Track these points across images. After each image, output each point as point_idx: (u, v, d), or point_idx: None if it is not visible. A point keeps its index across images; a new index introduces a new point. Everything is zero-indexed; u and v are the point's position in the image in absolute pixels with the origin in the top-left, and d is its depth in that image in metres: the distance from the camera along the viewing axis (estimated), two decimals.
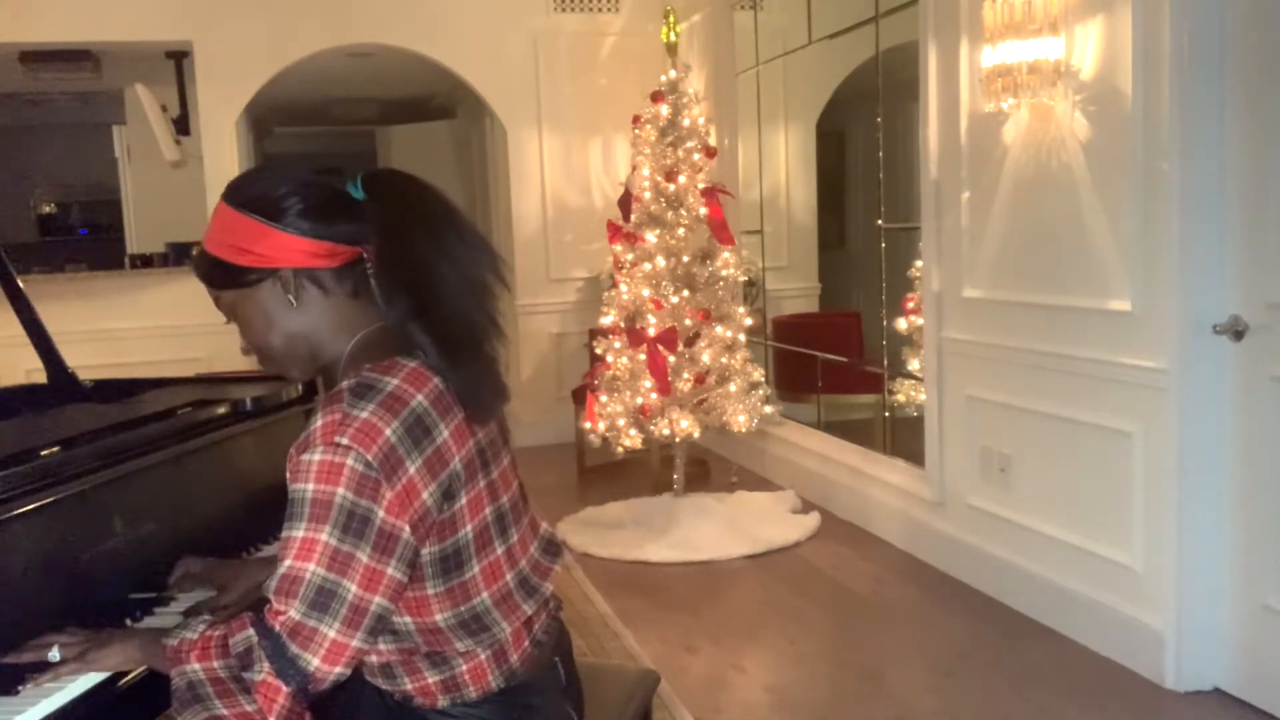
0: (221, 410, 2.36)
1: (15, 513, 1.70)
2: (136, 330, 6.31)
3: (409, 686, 1.56)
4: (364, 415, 1.41)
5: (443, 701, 1.57)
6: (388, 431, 1.41)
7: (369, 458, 1.38)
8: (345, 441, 1.39)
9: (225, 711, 1.44)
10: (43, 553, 1.76)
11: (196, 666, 1.45)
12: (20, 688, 1.58)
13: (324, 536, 1.37)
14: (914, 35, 4.25)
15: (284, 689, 1.39)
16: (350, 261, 1.57)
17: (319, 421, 1.42)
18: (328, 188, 1.57)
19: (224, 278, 1.59)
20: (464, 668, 1.56)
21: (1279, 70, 2.78)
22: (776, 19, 5.92)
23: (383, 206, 1.54)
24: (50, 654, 1.60)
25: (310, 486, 1.39)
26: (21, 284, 2.65)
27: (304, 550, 1.38)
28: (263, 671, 1.39)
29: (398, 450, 1.41)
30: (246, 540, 2.25)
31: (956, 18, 3.89)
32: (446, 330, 1.50)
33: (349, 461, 1.38)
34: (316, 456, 1.39)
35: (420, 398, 1.46)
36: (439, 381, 1.50)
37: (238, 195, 1.57)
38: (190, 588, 1.93)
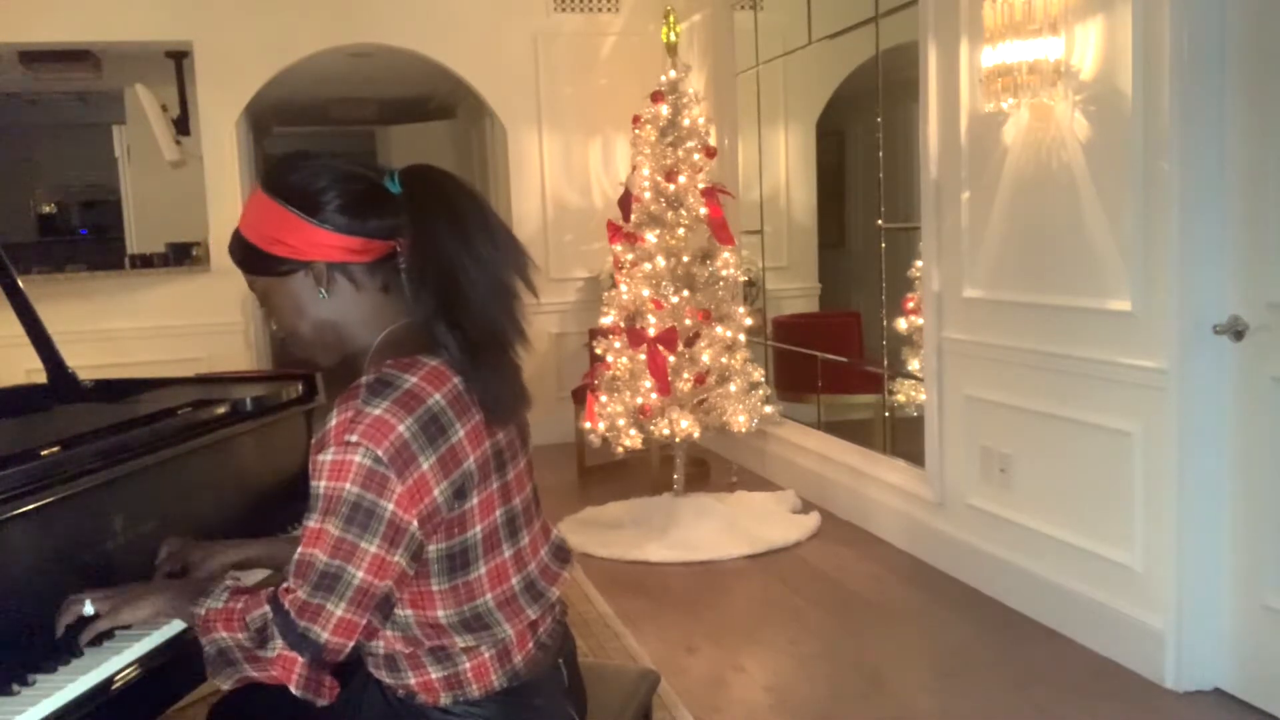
0: (221, 410, 2.36)
1: (15, 512, 1.70)
2: (136, 330, 6.30)
3: (412, 681, 1.57)
4: (376, 412, 1.43)
5: (445, 699, 1.57)
6: (400, 428, 1.43)
7: (379, 452, 1.41)
8: (354, 439, 1.42)
9: (256, 674, 1.51)
10: (43, 553, 1.76)
11: (224, 635, 1.51)
12: (34, 677, 1.62)
13: (329, 528, 1.44)
14: (914, 35, 4.25)
15: (299, 659, 1.46)
16: (383, 256, 1.58)
17: (333, 420, 1.45)
18: (365, 181, 1.58)
19: (257, 264, 1.61)
20: (467, 665, 1.56)
21: (1279, 70, 2.78)
22: (776, 19, 5.92)
23: (417, 203, 1.54)
24: (85, 608, 1.65)
25: (323, 484, 1.44)
26: (21, 284, 2.65)
27: (311, 539, 1.45)
28: (277, 647, 1.46)
29: (410, 446, 1.43)
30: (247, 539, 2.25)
31: (956, 18, 3.89)
32: (471, 330, 1.52)
33: (356, 458, 1.42)
34: (329, 456, 1.44)
35: (438, 396, 1.48)
36: (459, 382, 1.51)
37: (276, 184, 1.58)
38: (169, 567, 1.93)
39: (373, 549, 1.43)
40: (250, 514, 2.34)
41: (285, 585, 1.48)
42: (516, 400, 1.60)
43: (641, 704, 2.04)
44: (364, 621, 1.46)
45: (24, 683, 1.60)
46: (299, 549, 1.47)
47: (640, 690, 2.06)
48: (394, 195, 1.56)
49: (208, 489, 2.25)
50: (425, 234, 1.52)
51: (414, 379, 1.48)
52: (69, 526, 1.82)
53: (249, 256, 1.61)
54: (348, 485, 1.42)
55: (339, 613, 1.44)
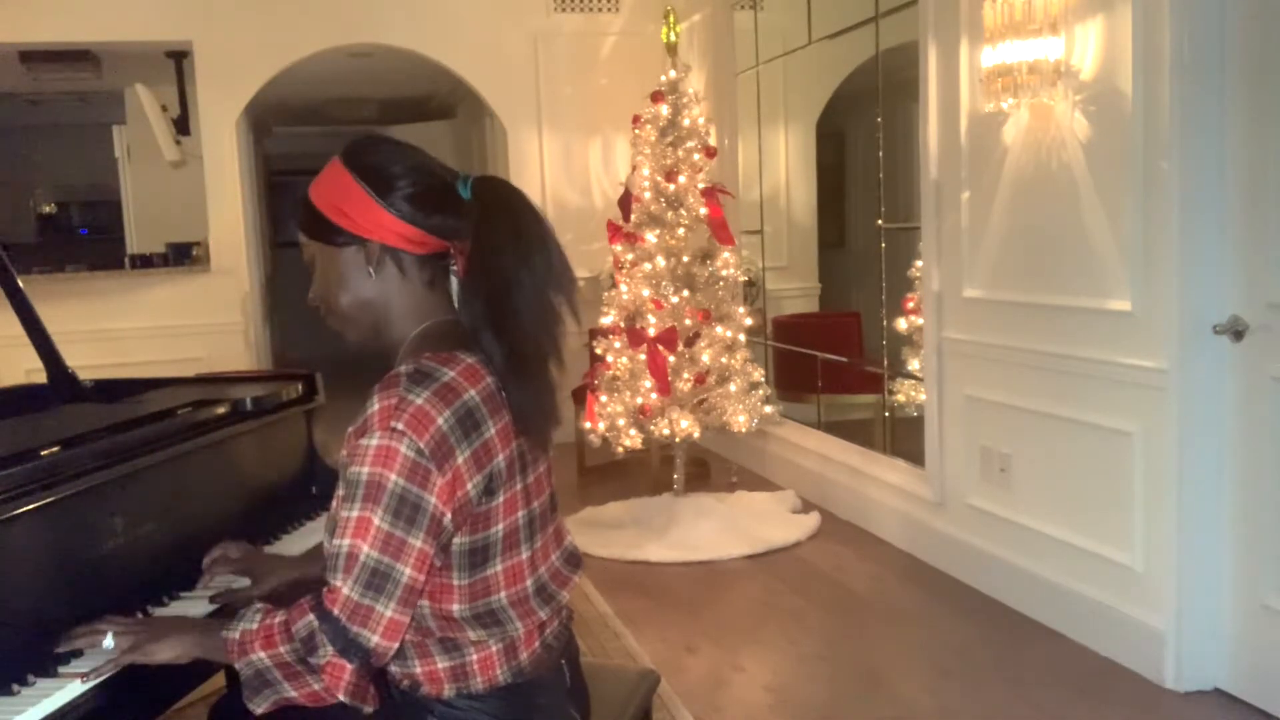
0: (221, 410, 2.36)
1: (16, 512, 1.70)
2: (136, 330, 6.31)
3: (417, 670, 1.57)
4: (419, 401, 1.45)
5: (449, 691, 1.58)
6: (440, 420, 1.45)
7: (421, 444, 1.43)
8: (400, 427, 1.43)
9: (295, 693, 1.50)
10: (43, 552, 1.76)
11: (262, 655, 1.49)
12: (62, 669, 1.62)
13: (376, 520, 1.43)
14: (914, 35, 4.25)
15: (349, 666, 1.45)
16: (436, 253, 1.61)
17: (375, 405, 1.46)
18: (439, 179, 1.61)
19: (315, 229, 1.63)
20: (474, 657, 1.57)
21: (1279, 70, 2.78)
22: (776, 19, 5.92)
23: (485, 213, 1.57)
24: (105, 642, 1.61)
25: (366, 470, 1.44)
26: (21, 284, 2.65)
27: (358, 530, 1.44)
28: (327, 655, 1.45)
29: (449, 439, 1.46)
30: (248, 539, 2.25)
31: (956, 18, 3.89)
32: (515, 345, 1.54)
33: (403, 448, 1.43)
34: (374, 441, 1.44)
35: (473, 392, 1.51)
36: (492, 381, 1.54)
37: (355, 159, 1.61)
38: (222, 572, 1.94)
39: (419, 543, 1.44)
40: (250, 514, 2.34)
41: (329, 586, 1.46)
42: (546, 418, 1.61)
43: (641, 704, 2.04)
44: (408, 620, 1.47)
45: (24, 683, 1.60)
46: (340, 539, 1.45)
47: (640, 690, 2.06)
48: (462, 199, 1.59)
49: (208, 489, 2.25)
50: (487, 244, 1.54)
51: (451, 373, 1.50)
52: (69, 526, 1.82)
53: (309, 220, 1.63)
54: (394, 475, 1.43)
55: (389, 614, 1.44)
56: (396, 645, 1.48)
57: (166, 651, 1.59)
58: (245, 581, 1.94)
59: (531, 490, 1.61)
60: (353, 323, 1.65)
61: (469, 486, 1.48)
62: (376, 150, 1.63)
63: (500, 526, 1.54)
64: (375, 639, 1.45)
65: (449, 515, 1.46)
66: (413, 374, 1.49)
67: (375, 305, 1.62)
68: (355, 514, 1.44)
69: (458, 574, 1.53)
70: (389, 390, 1.47)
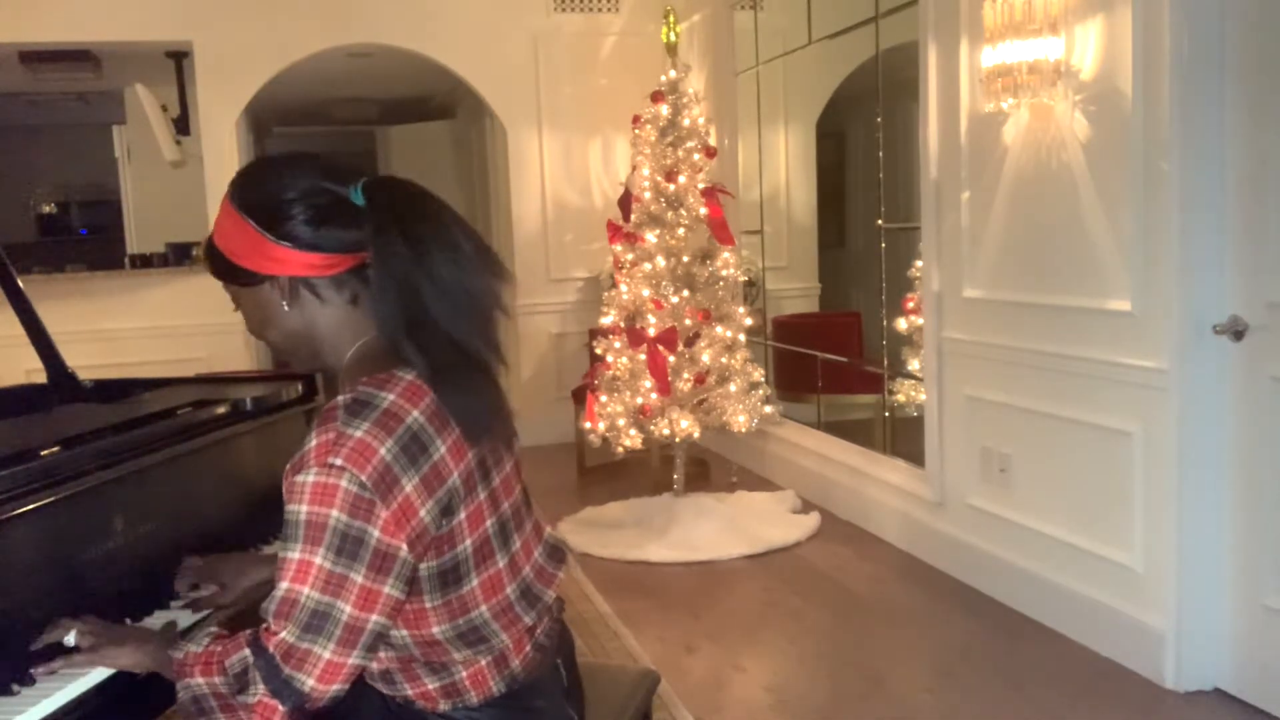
0: (221, 410, 2.35)
1: (15, 513, 1.70)
2: (136, 330, 6.31)
3: (409, 692, 1.55)
4: (358, 434, 1.39)
5: (444, 705, 1.56)
6: (382, 451, 1.39)
7: (363, 478, 1.37)
8: (339, 462, 1.37)
9: None
10: (42, 553, 1.76)
11: (200, 681, 1.46)
12: (33, 671, 1.61)
13: (317, 559, 1.37)
14: (914, 35, 4.25)
15: (280, 709, 1.39)
16: (352, 268, 1.54)
17: (313, 441, 1.40)
18: (330, 195, 1.53)
19: (225, 272, 1.59)
20: (464, 674, 1.55)
21: (1279, 70, 2.78)
22: (776, 19, 5.92)
23: (375, 219, 1.49)
24: (67, 637, 1.61)
25: (304, 508, 1.38)
26: (21, 284, 2.64)
27: (299, 573, 1.38)
28: (258, 693, 1.40)
29: (393, 469, 1.39)
30: (246, 540, 2.25)
31: (956, 18, 3.89)
32: (437, 349, 1.47)
33: (342, 483, 1.37)
34: (310, 478, 1.38)
35: (416, 414, 1.44)
36: (436, 396, 1.48)
37: (241, 196, 1.55)
38: (195, 582, 1.92)
39: (360, 579, 1.37)
40: (250, 514, 2.34)
41: (267, 626, 1.40)
42: (493, 419, 1.53)
43: (641, 704, 2.03)
44: (349, 662, 1.40)
45: (24, 682, 1.60)
46: (281, 583, 1.39)
47: (640, 690, 2.06)
48: (359, 207, 1.51)
49: (208, 489, 2.25)
50: (383, 250, 1.47)
51: (391, 396, 1.44)
52: (69, 526, 1.81)
53: (217, 264, 1.58)
54: (334, 512, 1.36)
55: (326, 655, 1.38)
56: (335, 688, 1.40)
57: (124, 659, 1.59)
58: (214, 589, 1.92)
59: (499, 494, 1.56)
60: (290, 353, 1.61)
61: (422, 514, 1.41)
62: (261, 181, 1.56)
63: (469, 542, 1.49)
64: (310, 682, 1.38)
65: (404, 548, 1.39)
66: (350, 405, 1.42)
67: (303, 335, 1.57)
68: (295, 555, 1.37)
69: (429, 597, 1.47)
70: (326, 425, 1.41)
